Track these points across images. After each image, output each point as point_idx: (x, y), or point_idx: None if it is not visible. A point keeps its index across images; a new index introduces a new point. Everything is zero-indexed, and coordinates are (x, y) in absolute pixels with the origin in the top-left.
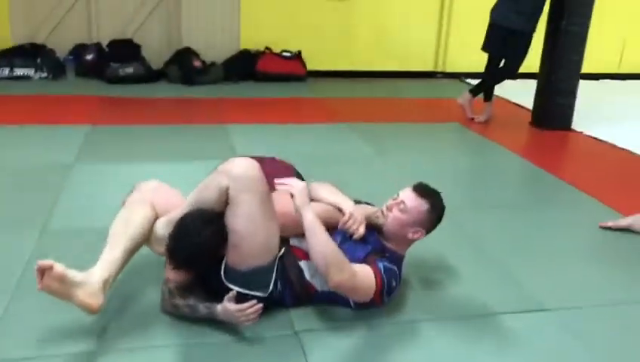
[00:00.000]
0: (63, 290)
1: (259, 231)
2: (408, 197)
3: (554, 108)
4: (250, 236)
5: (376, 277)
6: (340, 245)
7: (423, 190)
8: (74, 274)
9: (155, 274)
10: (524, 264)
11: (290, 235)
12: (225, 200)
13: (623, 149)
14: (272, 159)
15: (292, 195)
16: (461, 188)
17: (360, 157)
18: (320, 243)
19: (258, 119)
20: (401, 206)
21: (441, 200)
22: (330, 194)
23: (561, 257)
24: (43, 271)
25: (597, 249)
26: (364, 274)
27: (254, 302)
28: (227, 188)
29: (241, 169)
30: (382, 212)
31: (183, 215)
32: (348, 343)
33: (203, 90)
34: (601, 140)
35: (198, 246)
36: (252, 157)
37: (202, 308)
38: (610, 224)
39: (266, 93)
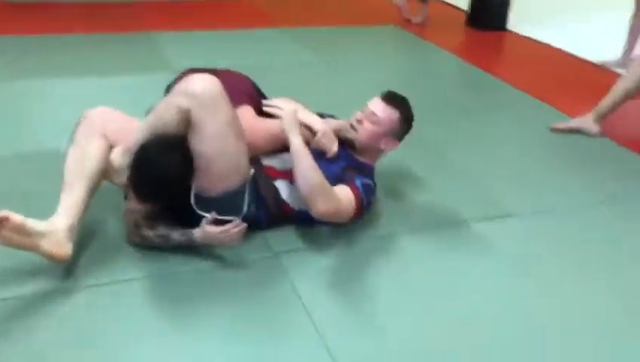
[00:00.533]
0: (24, 242)
1: (227, 152)
2: (379, 107)
3: (489, 7)
4: (218, 158)
5: (356, 197)
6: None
7: (392, 99)
8: (35, 224)
9: (114, 203)
10: (486, 170)
11: (260, 153)
12: (187, 122)
13: (559, 49)
14: (227, 71)
15: (281, 117)
16: (408, 93)
17: (304, 66)
18: (307, 170)
19: (185, 25)
20: (373, 118)
21: (410, 107)
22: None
23: (518, 161)
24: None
25: (551, 152)
26: (345, 197)
27: (238, 221)
28: (188, 110)
29: (202, 87)
30: (352, 125)
31: (142, 143)
32: (329, 260)
33: None
34: (536, 40)
35: (163, 175)
36: (206, 71)
37: (176, 235)
38: (561, 126)
39: None
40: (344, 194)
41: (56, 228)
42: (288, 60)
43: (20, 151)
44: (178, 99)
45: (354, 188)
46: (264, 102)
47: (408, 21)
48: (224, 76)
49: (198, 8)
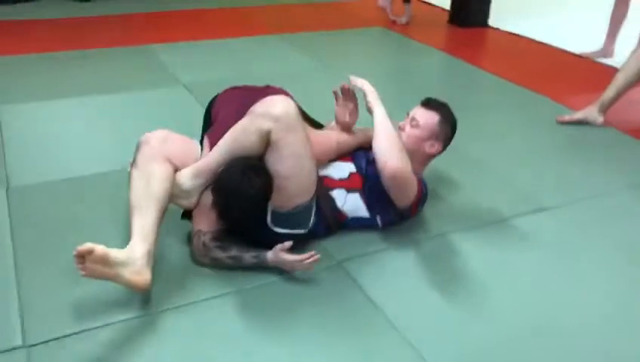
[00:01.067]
0: (107, 273)
1: (303, 170)
2: (419, 112)
3: (469, 5)
4: (295, 176)
5: (418, 183)
6: (368, 167)
7: (431, 103)
8: (116, 253)
9: (175, 224)
10: (510, 166)
11: (318, 165)
12: (265, 144)
13: (540, 42)
14: (269, 87)
15: (365, 92)
16: (410, 93)
17: (305, 72)
18: (391, 131)
19: (180, 36)
20: (414, 122)
21: (450, 110)
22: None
23: (536, 156)
24: (83, 257)
25: (562, 143)
26: (413, 178)
27: (313, 252)
28: (269, 132)
29: (283, 109)
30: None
31: (226, 166)
32: (391, 264)
33: (100, 7)
34: (518, 35)
35: (252, 199)
36: (244, 88)
37: (248, 258)
38: (566, 118)
39: (170, 5)
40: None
41: (135, 256)
42: (287, 65)
43: (42, 180)
44: (259, 122)
45: (417, 178)
46: (351, 77)
47: (394, 22)
48: (268, 91)
49: (187, 17)
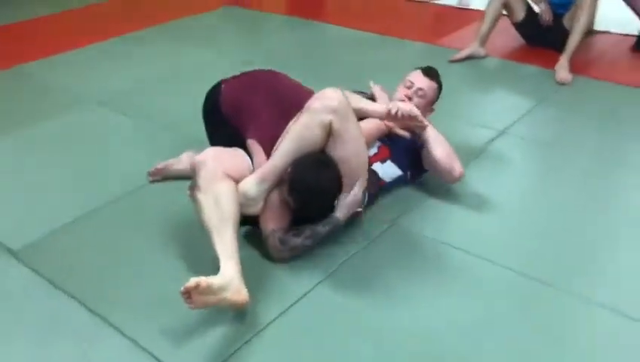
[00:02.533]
0: (212, 300)
1: (361, 151)
2: (423, 82)
3: None
4: (356, 157)
5: None
6: (395, 146)
7: (430, 71)
8: (215, 280)
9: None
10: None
11: None
12: (328, 135)
13: None
14: (271, 72)
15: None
16: (285, 65)
17: (198, 65)
18: (445, 145)
19: (53, 47)
20: (420, 92)
21: (439, 76)
22: (361, 102)
23: (455, 93)
24: (189, 292)
25: (470, 78)
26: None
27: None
28: (330, 123)
29: (338, 99)
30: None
31: (297, 166)
32: (432, 212)
33: None
34: None
35: (331, 192)
36: (247, 77)
37: (321, 229)
38: (457, 57)
39: (22, 13)
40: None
41: (231, 277)
42: (187, 63)
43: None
44: (320, 116)
45: None
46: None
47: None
48: (284, 80)
49: (46, 25)
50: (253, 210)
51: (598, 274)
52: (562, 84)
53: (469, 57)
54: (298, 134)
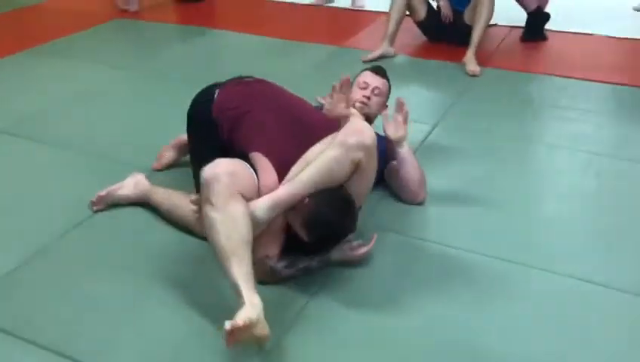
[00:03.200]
0: (245, 336)
1: (371, 185)
2: (377, 81)
3: None
4: (367, 193)
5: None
6: None
7: (379, 70)
8: (252, 315)
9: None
10: None
11: None
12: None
13: None
14: (262, 81)
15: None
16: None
17: (99, 84)
18: (418, 170)
19: None
20: (377, 90)
21: None
22: None
23: None
24: (234, 331)
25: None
26: None
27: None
28: (361, 161)
29: (371, 138)
30: (363, 103)
31: (318, 202)
32: (405, 213)
33: None
34: None
35: (351, 229)
36: (242, 84)
37: (315, 264)
38: (370, 57)
39: None
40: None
41: (260, 310)
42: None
43: None
44: (353, 154)
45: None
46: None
47: (126, 11)
48: (284, 92)
49: None
50: (255, 233)
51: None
52: (473, 75)
53: (381, 57)
54: (327, 167)
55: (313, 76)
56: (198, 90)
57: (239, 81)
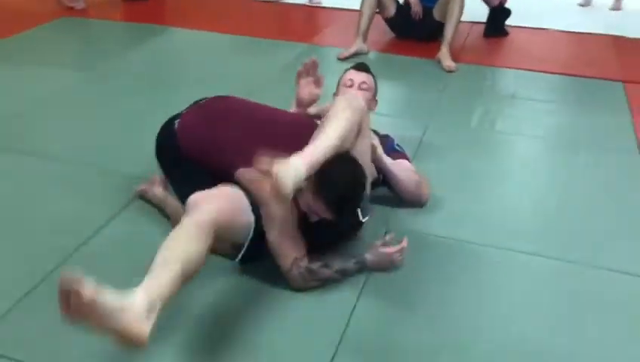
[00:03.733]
0: (97, 317)
1: (368, 158)
2: (364, 77)
3: None
4: (367, 152)
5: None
6: None
7: (362, 66)
8: (111, 296)
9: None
10: None
11: None
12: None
13: None
14: (229, 98)
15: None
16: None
17: (56, 87)
18: (406, 173)
19: None
20: (364, 85)
21: None
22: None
23: None
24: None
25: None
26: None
27: (405, 238)
28: (361, 122)
29: (362, 100)
30: None
31: (328, 164)
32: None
33: None
34: None
35: (362, 189)
36: (204, 107)
37: (352, 266)
38: (346, 54)
39: None
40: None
41: (138, 302)
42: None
43: None
44: (355, 118)
45: (404, 156)
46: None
47: (72, 9)
48: (242, 103)
49: None
50: (285, 202)
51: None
52: (450, 71)
53: (356, 54)
54: (345, 124)
55: (287, 77)
56: (165, 90)
57: (195, 107)
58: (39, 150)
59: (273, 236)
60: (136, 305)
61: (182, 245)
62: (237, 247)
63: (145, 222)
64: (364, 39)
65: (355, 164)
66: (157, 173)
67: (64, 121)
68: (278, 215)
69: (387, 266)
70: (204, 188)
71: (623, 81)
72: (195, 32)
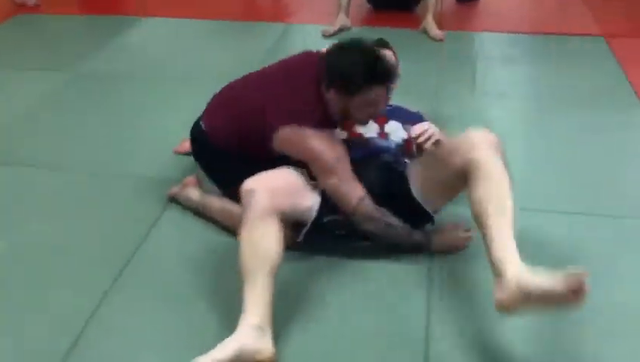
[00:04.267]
0: None
1: None
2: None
3: None
4: None
5: None
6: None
7: (382, 42)
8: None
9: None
10: None
11: None
12: None
13: None
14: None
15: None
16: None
17: (27, 91)
18: None
19: None
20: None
21: None
22: None
23: None
24: None
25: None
26: None
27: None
28: None
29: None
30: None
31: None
32: None
33: None
34: None
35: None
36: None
37: (418, 233)
38: (331, 31)
39: None
40: None
41: (244, 338)
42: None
43: None
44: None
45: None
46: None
47: (23, 6)
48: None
49: None
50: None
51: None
52: (440, 39)
53: (340, 30)
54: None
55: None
56: (151, 86)
57: (213, 101)
58: (45, 161)
59: (329, 181)
60: (247, 338)
61: (256, 251)
62: (297, 229)
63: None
64: (347, 14)
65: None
66: (184, 174)
67: (56, 129)
68: (328, 157)
69: (451, 249)
70: (251, 175)
71: (604, 36)
72: (161, 19)
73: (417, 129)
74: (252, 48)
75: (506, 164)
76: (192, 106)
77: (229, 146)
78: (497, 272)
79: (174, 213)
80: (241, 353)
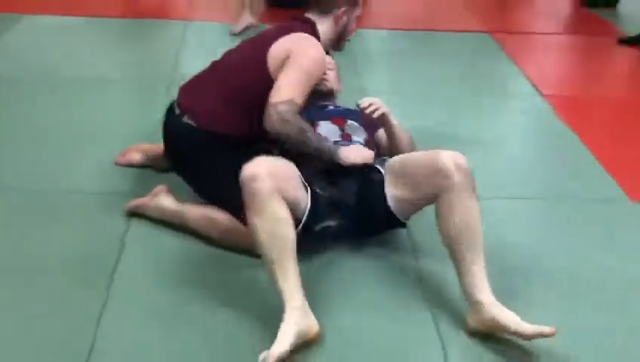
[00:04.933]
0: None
1: None
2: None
3: None
4: None
5: None
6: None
7: None
8: (288, 344)
9: None
10: None
11: None
12: None
13: None
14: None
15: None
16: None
17: None
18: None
19: None
20: (329, 65)
21: None
22: None
23: None
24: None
25: None
26: None
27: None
28: None
29: None
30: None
31: None
32: None
33: None
34: None
35: None
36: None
37: (329, 145)
38: (239, 29)
39: None
40: None
41: (297, 323)
42: None
43: None
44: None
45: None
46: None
47: None
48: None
49: None
50: None
51: None
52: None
53: (247, 28)
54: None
55: (196, 62)
56: (62, 91)
57: (184, 93)
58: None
59: (285, 75)
60: (299, 322)
61: (275, 234)
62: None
63: (161, 244)
64: (252, 12)
65: None
66: (134, 186)
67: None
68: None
69: (357, 159)
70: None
71: (488, 32)
72: (45, 17)
73: (366, 101)
74: (161, 49)
75: (474, 188)
76: (106, 110)
77: (228, 124)
78: (471, 300)
79: (142, 227)
80: (299, 335)
